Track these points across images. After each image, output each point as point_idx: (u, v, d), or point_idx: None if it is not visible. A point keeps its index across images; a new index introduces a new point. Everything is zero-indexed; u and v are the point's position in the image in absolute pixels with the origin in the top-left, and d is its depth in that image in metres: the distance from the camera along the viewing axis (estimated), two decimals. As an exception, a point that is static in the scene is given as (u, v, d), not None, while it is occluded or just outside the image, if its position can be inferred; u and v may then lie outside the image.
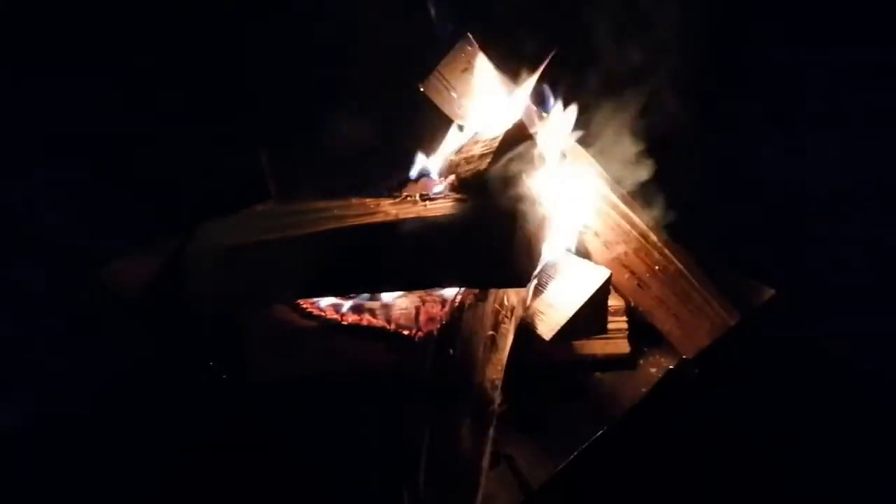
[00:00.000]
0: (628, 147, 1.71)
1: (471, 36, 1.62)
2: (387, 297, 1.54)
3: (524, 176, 1.47)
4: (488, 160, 1.38)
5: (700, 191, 2.16)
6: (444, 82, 1.64)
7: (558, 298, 1.52)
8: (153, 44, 2.40)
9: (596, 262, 1.61)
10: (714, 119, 2.25)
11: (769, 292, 1.68)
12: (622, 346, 1.63)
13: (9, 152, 2.26)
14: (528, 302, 1.55)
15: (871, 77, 2.31)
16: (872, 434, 1.61)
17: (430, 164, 1.67)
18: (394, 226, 1.32)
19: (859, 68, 2.30)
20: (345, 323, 1.52)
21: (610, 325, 1.59)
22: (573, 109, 1.68)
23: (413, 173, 1.68)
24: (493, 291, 1.45)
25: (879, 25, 2.30)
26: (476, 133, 1.66)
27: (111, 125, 2.38)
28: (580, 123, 1.70)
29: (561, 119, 1.67)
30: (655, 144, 1.72)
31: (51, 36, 2.32)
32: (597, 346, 1.61)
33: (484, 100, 1.66)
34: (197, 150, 2.27)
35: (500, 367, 1.40)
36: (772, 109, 2.39)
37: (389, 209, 1.36)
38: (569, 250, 1.66)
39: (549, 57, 1.66)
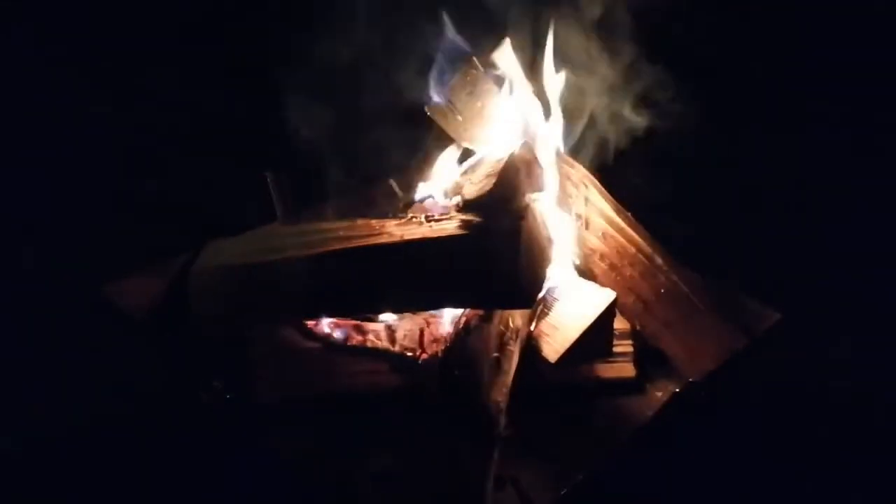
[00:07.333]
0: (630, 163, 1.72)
1: (475, 59, 1.64)
2: (391, 317, 1.54)
3: (529, 197, 1.48)
4: (493, 181, 1.38)
5: (705, 213, 2.17)
6: (449, 105, 1.65)
7: (563, 320, 1.52)
8: (164, 64, 2.44)
9: (601, 285, 1.60)
10: (716, 135, 2.26)
11: (775, 316, 1.67)
12: (628, 370, 1.61)
13: (19, 168, 2.29)
14: (534, 324, 1.55)
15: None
16: (876, 454, 1.59)
17: (436, 185, 1.68)
18: (398, 247, 1.32)
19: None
20: (349, 344, 1.52)
21: (615, 348, 1.58)
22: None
23: (418, 194, 1.68)
24: (498, 313, 1.45)
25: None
26: (481, 154, 1.67)
27: (120, 144, 2.42)
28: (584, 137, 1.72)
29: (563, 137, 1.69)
30: (657, 158, 1.72)
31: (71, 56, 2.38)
32: (602, 369, 1.60)
33: (489, 121, 1.67)
34: (203, 170, 2.30)
35: (505, 390, 1.39)
36: (773, 119, 2.41)
37: (394, 230, 1.37)
38: (574, 272, 1.66)
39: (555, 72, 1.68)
